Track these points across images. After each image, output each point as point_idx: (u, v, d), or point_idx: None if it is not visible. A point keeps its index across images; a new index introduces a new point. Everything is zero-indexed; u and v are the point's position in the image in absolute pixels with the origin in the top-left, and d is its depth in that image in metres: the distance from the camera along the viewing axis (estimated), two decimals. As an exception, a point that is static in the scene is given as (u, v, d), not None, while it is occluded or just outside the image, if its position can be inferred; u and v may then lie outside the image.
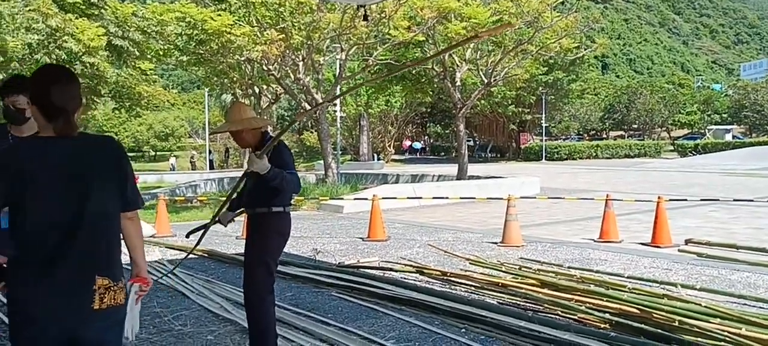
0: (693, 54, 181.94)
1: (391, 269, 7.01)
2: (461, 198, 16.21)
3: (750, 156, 37.00)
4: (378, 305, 5.60)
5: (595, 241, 9.62)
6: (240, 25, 17.87)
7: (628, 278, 6.56)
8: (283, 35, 17.82)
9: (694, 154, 48.26)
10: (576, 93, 52.95)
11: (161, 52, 19.67)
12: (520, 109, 45.77)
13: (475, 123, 50.57)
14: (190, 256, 7.57)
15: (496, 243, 9.29)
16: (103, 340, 2.39)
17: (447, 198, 16.09)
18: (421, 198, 15.66)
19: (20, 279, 2.27)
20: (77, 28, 15.84)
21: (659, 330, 4.50)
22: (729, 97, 75.85)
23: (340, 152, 28.00)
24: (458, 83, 22.68)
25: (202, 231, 4.27)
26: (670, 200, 11.74)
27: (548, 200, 15.98)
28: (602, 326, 4.78)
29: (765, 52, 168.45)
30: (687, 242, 9.11)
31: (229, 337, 4.84)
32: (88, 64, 16.59)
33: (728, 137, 61.42)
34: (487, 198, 15.98)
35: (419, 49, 22.65)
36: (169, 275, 6.76)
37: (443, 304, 5.32)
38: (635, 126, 70.35)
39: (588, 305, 5.13)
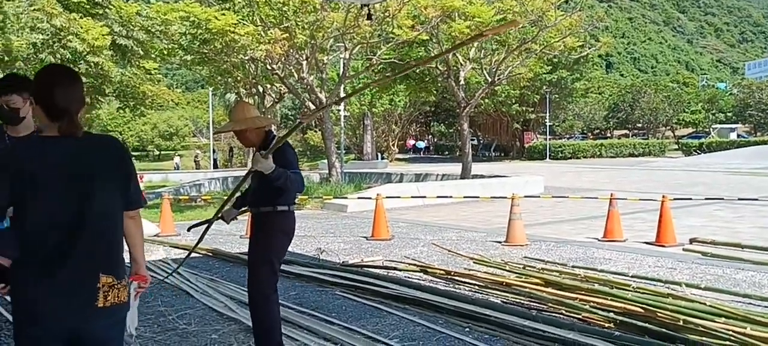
0: (697, 53, 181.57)
1: (395, 268, 7.01)
2: (465, 197, 16.20)
3: (755, 155, 36.90)
4: (382, 304, 5.60)
5: (599, 240, 9.60)
6: (244, 24, 17.89)
7: (632, 277, 6.54)
8: (287, 34, 17.83)
9: (698, 153, 48.14)
10: (580, 92, 52.91)
11: (165, 52, 19.69)
12: (524, 108, 45.74)
13: (479, 122, 50.55)
14: (195, 255, 7.59)
15: (500, 242, 9.28)
16: (107, 337, 2.41)
17: (451, 197, 16.08)
18: (425, 197, 15.66)
19: (24, 278, 2.28)
20: (82, 28, 15.86)
21: (664, 329, 4.48)
22: (734, 96, 75.71)
23: (343, 151, 28.00)
24: (462, 82, 22.66)
25: (204, 227, 4.28)
26: (675, 199, 11.72)
27: (552, 199, 15.95)
28: (606, 325, 4.77)
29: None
30: (691, 241, 9.09)
31: (233, 336, 4.84)
32: (92, 64, 16.61)
33: (733, 136, 61.24)
34: (491, 197, 15.97)
35: (423, 48, 22.63)
36: (173, 274, 6.77)
37: (447, 303, 5.32)
38: (639, 125, 70.21)
39: (592, 304, 5.12)
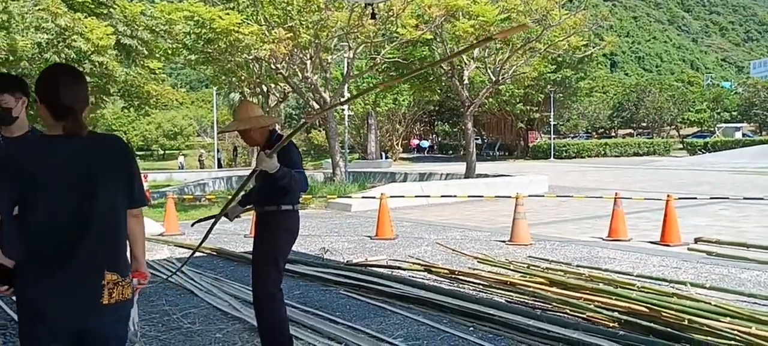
0: (702, 52, 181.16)
1: (399, 268, 7.01)
2: (469, 196, 16.19)
3: (760, 154, 36.80)
4: (386, 304, 5.60)
5: (603, 239, 9.58)
6: (248, 23, 17.90)
7: (637, 276, 6.53)
8: (291, 34, 17.84)
9: (703, 153, 48.02)
10: (584, 91, 52.84)
11: (170, 51, 19.70)
12: (528, 108, 45.68)
13: (483, 121, 50.52)
14: (199, 254, 7.60)
15: (504, 242, 9.27)
16: (112, 334, 2.43)
17: (455, 196, 16.07)
18: (429, 196, 15.65)
19: (29, 277, 2.29)
20: (86, 28, 15.87)
21: (669, 329, 4.47)
22: (739, 95, 75.44)
23: (347, 151, 27.99)
24: (466, 81, 22.65)
25: (209, 223, 4.28)
26: (680, 198, 11.69)
27: (556, 199, 15.93)
28: (611, 324, 4.76)
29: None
30: (696, 240, 9.07)
31: (237, 335, 4.85)
32: (97, 63, 16.62)
33: (738, 135, 61.10)
34: (495, 196, 15.96)
35: (427, 47, 22.62)
36: (177, 273, 6.78)
37: (451, 302, 5.31)
38: (644, 124, 70.08)
39: (597, 303, 5.11)
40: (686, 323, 4.51)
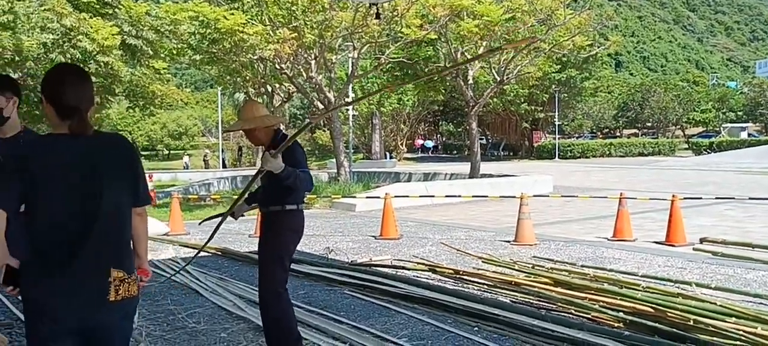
0: (708, 51, 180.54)
1: (403, 268, 7.01)
2: (474, 196, 16.17)
3: (766, 154, 36.65)
4: (391, 304, 5.60)
5: (608, 239, 9.56)
6: (252, 24, 17.93)
7: (642, 276, 6.52)
8: (296, 34, 17.86)
9: (708, 153, 47.89)
10: (589, 91, 52.71)
11: (175, 51, 19.76)
12: (532, 108, 45.64)
13: (488, 121, 50.47)
14: (204, 254, 7.62)
15: (508, 242, 9.26)
16: (117, 330, 2.46)
17: (459, 196, 16.06)
18: (433, 196, 15.64)
19: (35, 276, 2.30)
20: (91, 28, 15.93)
21: (674, 329, 4.46)
22: (744, 95, 75.18)
23: (352, 151, 28.01)
24: (471, 81, 22.63)
25: (215, 222, 4.29)
26: (685, 198, 11.65)
27: (561, 199, 15.91)
28: (616, 325, 4.75)
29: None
30: (702, 240, 9.04)
31: (242, 334, 4.85)
32: (102, 64, 16.68)
33: (744, 135, 60.85)
34: (500, 196, 15.94)
35: (431, 47, 22.62)
36: (181, 271, 6.80)
37: (456, 302, 5.31)
38: (649, 124, 69.88)
39: (602, 303, 5.11)
40: (691, 323, 4.50)
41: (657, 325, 4.59)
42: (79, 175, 2.33)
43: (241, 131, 4.14)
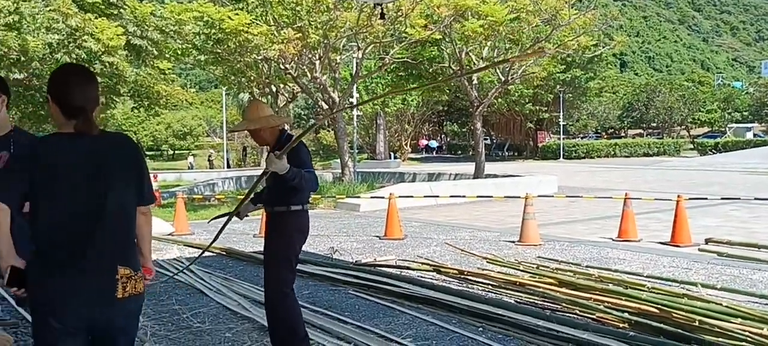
0: (713, 51, 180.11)
1: (408, 268, 7.01)
2: (478, 197, 16.16)
3: (771, 154, 36.55)
4: (395, 304, 5.60)
5: (613, 240, 9.55)
6: (257, 24, 17.94)
7: (647, 277, 6.50)
8: (300, 34, 17.87)
9: (714, 153, 47.76)
10: (594, 91, 52.67)
11: (179, 52, 19.80)
12: (537, 108, 45.57)
13: (492, 121, 50.42)
14: (208, 254, 7.63)
15: (513, 242, 9.25)
16: (124, 327, 2.48)
17: (464, 197, 16.05)
18: (437, 197, 15.63)
19: (41, 274, 2.31)
20: (97, 28, 15.97)
21: (679, 330, 4.45)
22: (750, 95, 74.98)
23: (356, 151, 28.01)
24: (475, 82, 22.62)
25: (223, 221, 4.30)
26: (690, 198, 11.62)
27: (566, 199, 15.89)
28: (621, 325, 4.74)
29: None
30: (707, 241, 9.02)
31: (246, 334, 4.86)
32: (107, 64, 16.73)
33: (749, 136, 60.73)
34: (505, 197, 15.92)
35: (436, 47, 22.59)
36: (184, 271, 6.81)
37: (461, 303, 5.31)
38: (654, 124, 69.76)
39: (606, 304, 5.09)
40: (697, 324, 4.48)
41: (662, 326, 4.58)
42: (84, 174, 2.34)
43: (245, 131, 4.14)
